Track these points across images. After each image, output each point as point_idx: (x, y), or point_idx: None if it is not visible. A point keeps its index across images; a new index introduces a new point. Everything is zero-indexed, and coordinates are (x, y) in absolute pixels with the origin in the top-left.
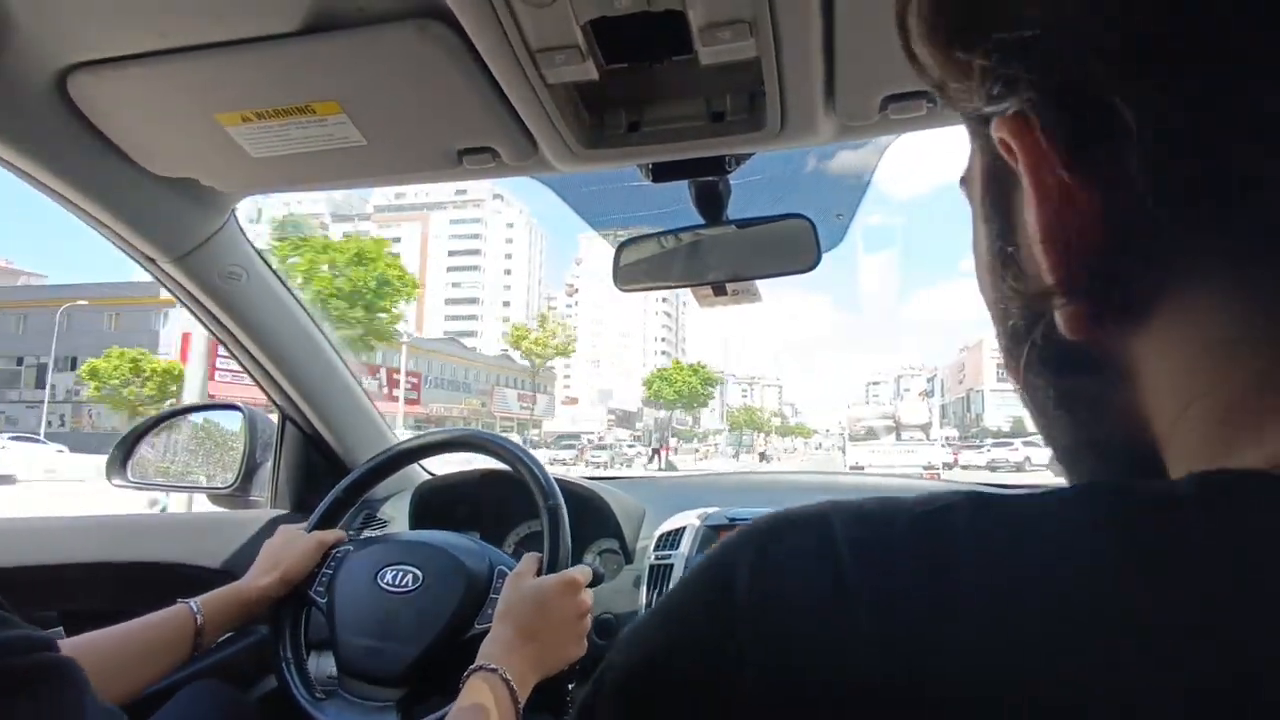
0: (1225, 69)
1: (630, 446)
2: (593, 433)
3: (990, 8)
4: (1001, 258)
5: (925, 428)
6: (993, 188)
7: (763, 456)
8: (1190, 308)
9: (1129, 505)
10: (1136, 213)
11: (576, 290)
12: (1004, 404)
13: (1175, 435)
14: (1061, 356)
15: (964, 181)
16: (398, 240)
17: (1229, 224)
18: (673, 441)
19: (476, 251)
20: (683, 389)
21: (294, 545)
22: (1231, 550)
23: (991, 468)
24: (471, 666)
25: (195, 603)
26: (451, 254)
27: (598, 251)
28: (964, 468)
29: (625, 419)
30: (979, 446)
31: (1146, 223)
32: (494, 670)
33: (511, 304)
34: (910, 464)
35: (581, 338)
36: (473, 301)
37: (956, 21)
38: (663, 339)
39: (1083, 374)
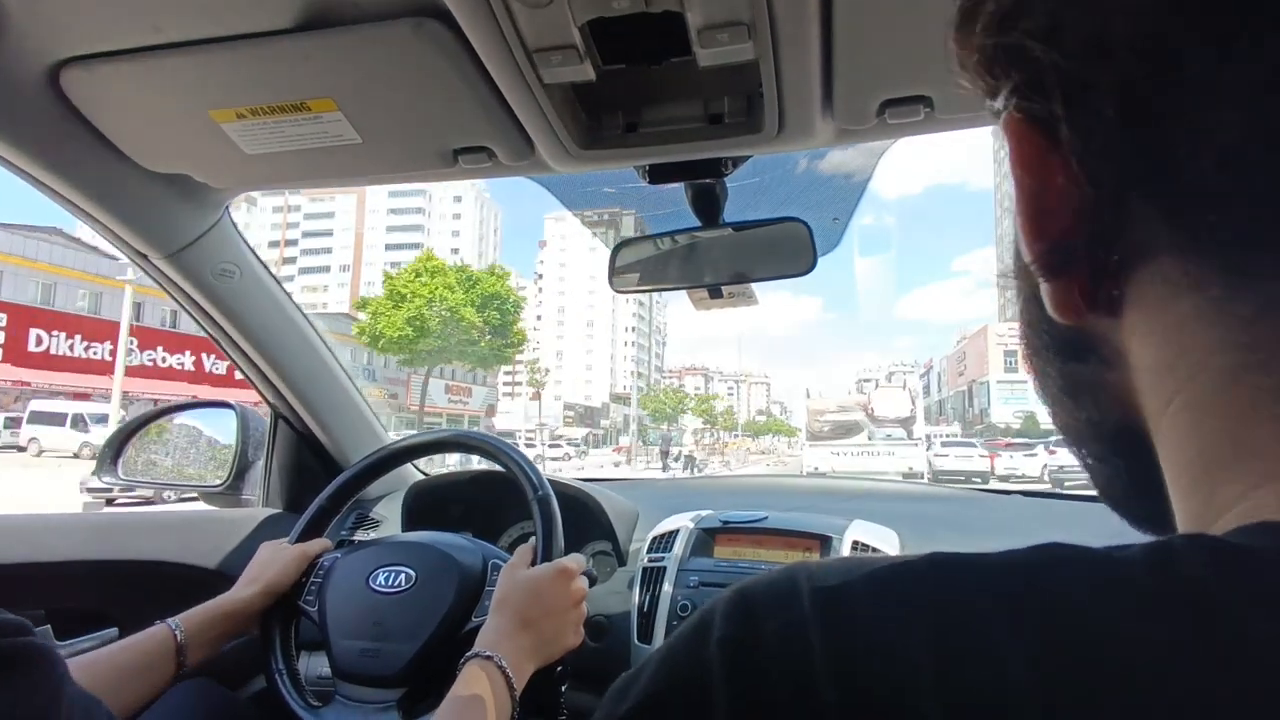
0: (1189, 51)
1: (573, 445)
2: (533, 430)
3: (994, 10)
4: (1016, 246)
5: (906, 423)
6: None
7: (689, 463)
8: (1161, 303)
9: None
10: (1105, 189)
11: (541, 277)
12: (1012, 397)
13: (1164, 428)
14: (1063, 343)
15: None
16: (330, 215)
17: (1192, 204)
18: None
19: (419, 228)
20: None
21: (277, 557)
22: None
23: (1056, 482)
24: (467, 654)
25: (175, 621)
26: (391, 230)
27: (563, 233)
28: (1005, 479)
29: (587, 415)
30: (1029, 448)
31: (1114, 199)
32: (489, 657)
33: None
34: (883, 470)
35: (545, 328)
36: None
37: (976, 27)
38: (633, 329)
39: (1081, 360)
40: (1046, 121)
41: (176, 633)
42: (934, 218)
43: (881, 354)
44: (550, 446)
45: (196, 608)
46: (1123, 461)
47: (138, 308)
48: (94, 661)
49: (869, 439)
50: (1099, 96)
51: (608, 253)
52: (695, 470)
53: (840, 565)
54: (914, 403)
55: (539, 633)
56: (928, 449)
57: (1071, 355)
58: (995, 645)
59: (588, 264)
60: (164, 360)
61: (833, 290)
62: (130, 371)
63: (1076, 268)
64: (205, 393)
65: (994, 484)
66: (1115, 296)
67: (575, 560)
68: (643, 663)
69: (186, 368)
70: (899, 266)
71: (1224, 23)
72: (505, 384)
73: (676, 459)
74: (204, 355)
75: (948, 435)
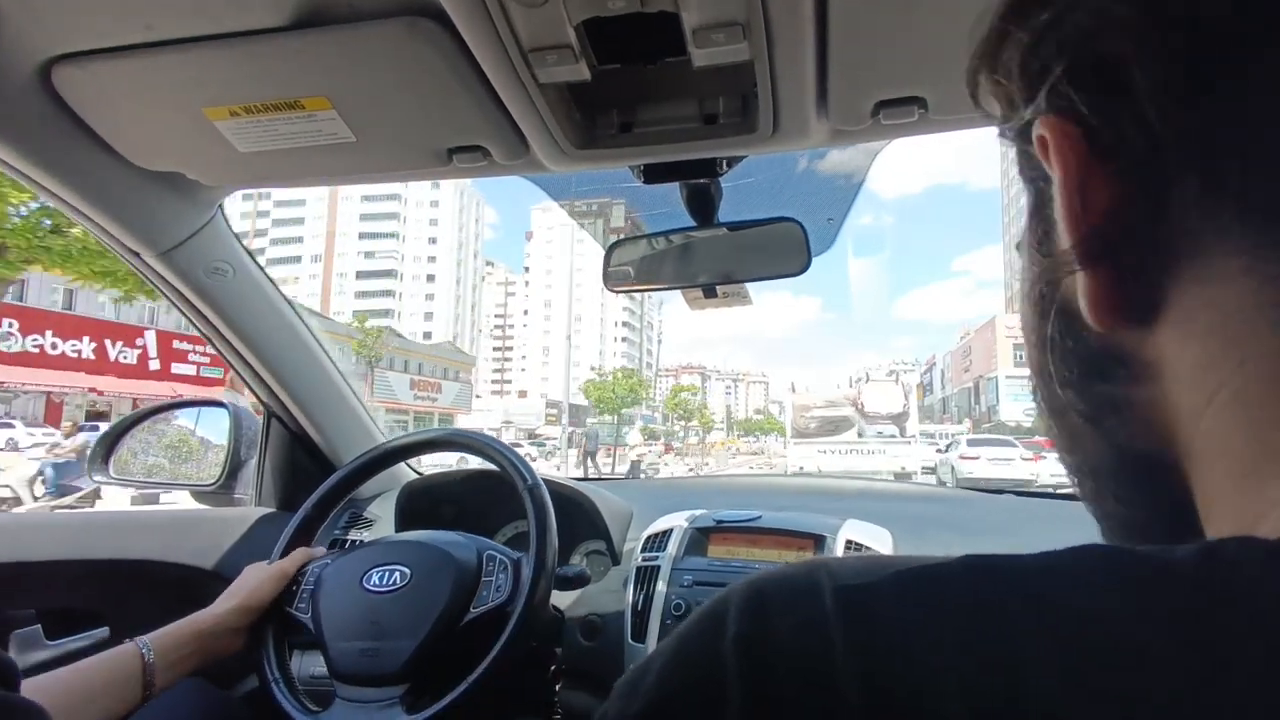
0: (1235, 36)
1: (535, 443)
2: (495, 430)
3: (1022, 10)
4: (1037, 236)
5: (898, 419)
6: (1032, 196)
7: (634, 469)
8: (1205, 290)
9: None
10: (1148, 178)
11: (528, 270)
12: (1023, 393)
13: (1202, 431)
14: (1089, 359)
15: (1018, 245)
16: (301, 202)
17: (1237, 191)
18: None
19: (394, 216)
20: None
21: (254, 575)
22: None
23: None
24: None
25: (145, 641)
26: (365, 218)
27: (550, 223)
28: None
29: (574, 413)
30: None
31: (1158, 187)
32: None
33: (437, 278)
34: (874, 470)
35: (532, 323)
36: (389, 275)
37: (1022, 29)
38: (625, 323)
39: (1109, 379)
40: (1093, 109)
41: (145, 653)
42: (934, 217)
43: (880, 354)
44: (513, 446)
45: (169, 625)
46: (1145, 500)
47: (20, 285)
48: (50, 683)
49: (859, 436)
50: (1153, 77)
51: (596, 245)
52: (640, 477)
53: (863, 564)
54: (907, 398)
55: None
56: (945, 450)
57: (1098, 373)
58: (1030, 654)
59: (575, 257)
60: (55, 347)
61: (832, 290)
62: (6, 359)
63: (1120, 256)
64: (108, 385)
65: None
66: (1155, 293)
67: None
68: (650, 657)
69: (85, 355)
70: (897, 266)
71: None
72: (495, 380)
73: (637, 464)
74: (108, 341)
75: (970, 435)
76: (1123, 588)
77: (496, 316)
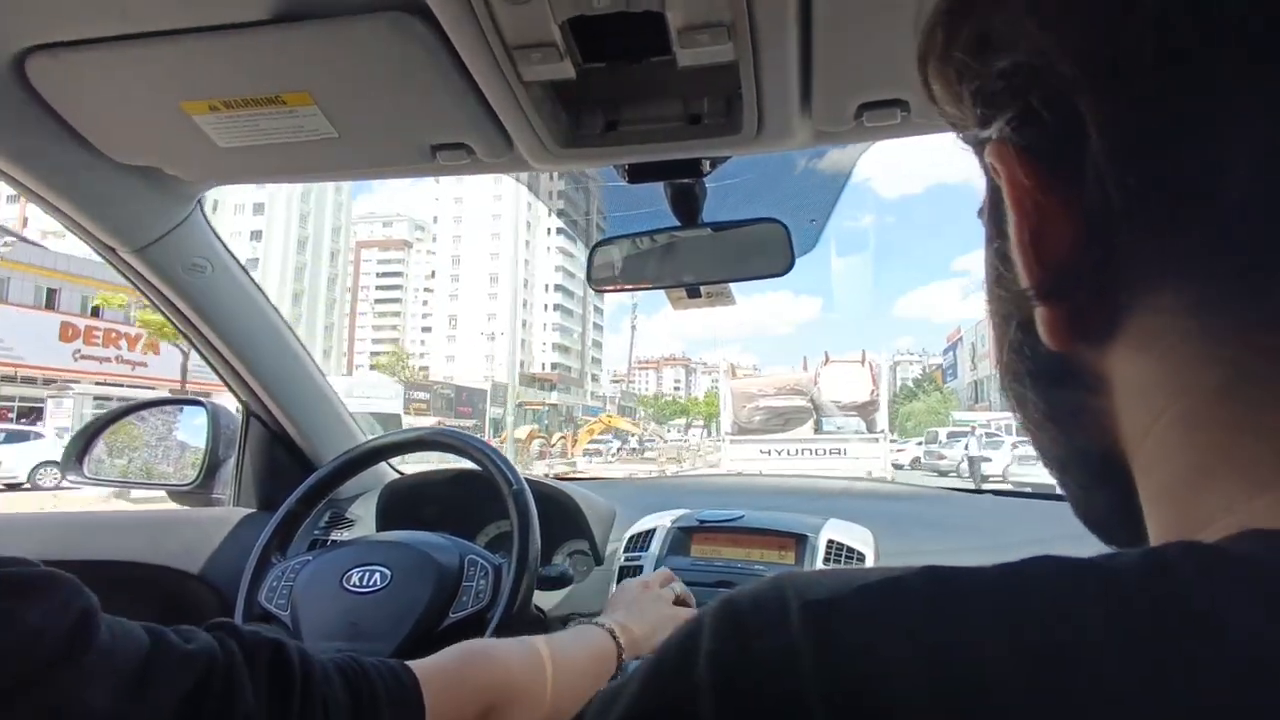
0: (1180, 77)
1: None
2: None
3: (978, 39)
4: (997, 273)
5: (864, 410)
6: (991, 209)
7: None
8: (1155, 319)
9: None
10: (1100, 220)
11: (435, 220)
12: None
13: (1147, 448)
14: (1048, 370)
15: (980, 213)
16: None
17: (1185, 231)
18: None
19: None
20: None
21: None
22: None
23: None
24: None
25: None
26: None
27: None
28: None
29: (462, 400)
30: None
31: (1109, 229)
32: (600, 624)
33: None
34: (833, 474)
35: (438, 286)
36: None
37: (957, 52)
38: (559, 287)
39: (1065, 387)
40: (1043, 151)
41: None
42: (933, 216)
43: (876, 354)
44: None
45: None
46: (1104, 490)
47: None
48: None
49: (816, 432)
50: (1100, 124)
51: (515, 193)
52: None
53: (830, 578)
54: (876, 383)
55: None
56: (983, 444)
57: (1055, 381)
58: (991, 664)
59: (491, 203)
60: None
61: (834, 290)
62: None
63: (1075, 295)
64: None
65: None
66: (1109, 323)
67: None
68: (627, 678)
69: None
70: (898, 266)
71: (1248, 35)
72: (374, 352)
73: None
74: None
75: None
76: (1076, 594)
77: (389, 275)
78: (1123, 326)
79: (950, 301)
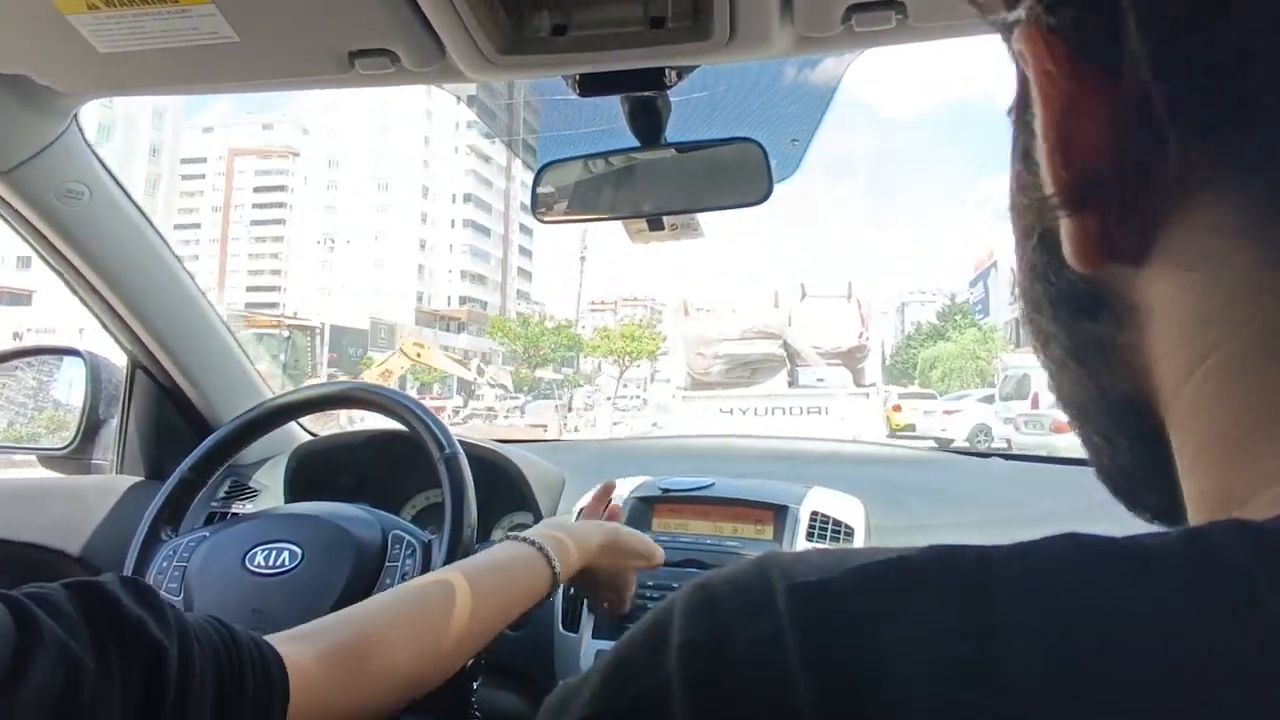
0: None
1: None
2: None
3: None
4: (1021, 179)
5: (849, 357)
6: (1019, 106)
7: None
8: (1203, 238)
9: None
10: (1139, 114)
11: (305, 132)
12: None
13: (1186, 396)
14: (1072, 296)
15: (1009, 112)
16: None
17: (1241, 131)
18: None
19: None
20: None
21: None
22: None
23: None
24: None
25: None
26: None
27: None
28: None
29: (335, 344)
30: None
31: (1149, 125)
32: (523, 539)
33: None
34: (806, 435)
35: (309, 195)
36: None
37: None
38: (470, 198)
39: (1091, 317)
40: (1076, 33)
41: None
42: (949, 139)
43: (889, 278)
44: None
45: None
46: (1131, 444)
47: None
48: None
49: (791, 385)
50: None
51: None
52: None
53: (820, 559)
54: (865, 324)
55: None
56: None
57: (1080, 310)
58: (1012, 661)
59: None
60: None
61: (837, 220)
62: None
63: (1106, 201)
64: None
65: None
66: (1145, 239)
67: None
68: (586, 673)
69: None
70: (908, 195)
71: None
72: (252, 286)
73: None
74: None
75: None
76: (1104, 580)
77: (269, 190)
78: (1162, 245)
79: (970, 236)
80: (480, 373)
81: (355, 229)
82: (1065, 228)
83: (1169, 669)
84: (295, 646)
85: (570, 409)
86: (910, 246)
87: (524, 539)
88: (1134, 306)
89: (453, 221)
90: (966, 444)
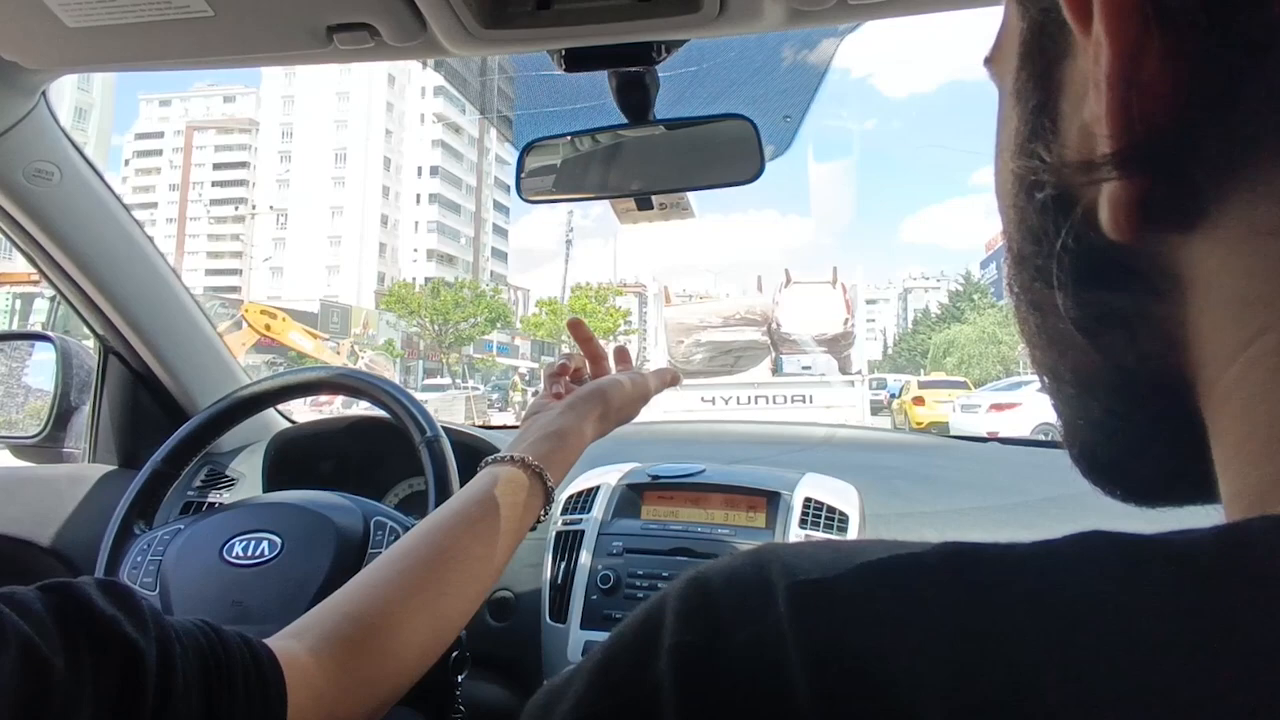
0: None
1: None
2: None
3: None
4: (1035, 133)
5: (835, 344)
6: (1034, 56)
7: None
8: (1264, 207)
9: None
10: (1210, 62)
11: (259, 103)
12: None
13: (1230, 378)
14: (1096, 265)
15: (989, 61)
16: None
17: None
18: None
19: None
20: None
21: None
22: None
23: None
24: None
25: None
26: None
27: None
28: None
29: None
30: None
31: (1222, 73)
32: (506, 458)
33: None
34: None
35: (264, 163)
36: None
37: None
38: (438, 170)
39: (1120, 288)
40: None
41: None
42: (949, 122)
43: (889, 267)
44: None
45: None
46: (1146, 421)
47: None
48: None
49: (775, 373)
50: None
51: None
52: None
53: (822, 554)
54: (850, 311)
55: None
56: None
57: (1104, 281)
58: (1034, 661)
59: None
60: None
61: (833, 211)
62: None
63: (1164, 164)
64: None
65: None
66: (1200, 206)
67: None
68: (572, 672)
69: None
70: (906, 180)
71: None
72: (212, 269)
73: None
74: None
75: None
76: (1135, 580)
77: (230, 166)
78: (1220, 213)
79: (970, 222)
80: (355, 357)
81: (310, 203)
82: (1109, 192)
83: (1199, 676)
84: (290, 643)
85: (507, 404)
86: (910, 233)
87: (505, 458)
88: (1176, 277)
89: (418, 197)
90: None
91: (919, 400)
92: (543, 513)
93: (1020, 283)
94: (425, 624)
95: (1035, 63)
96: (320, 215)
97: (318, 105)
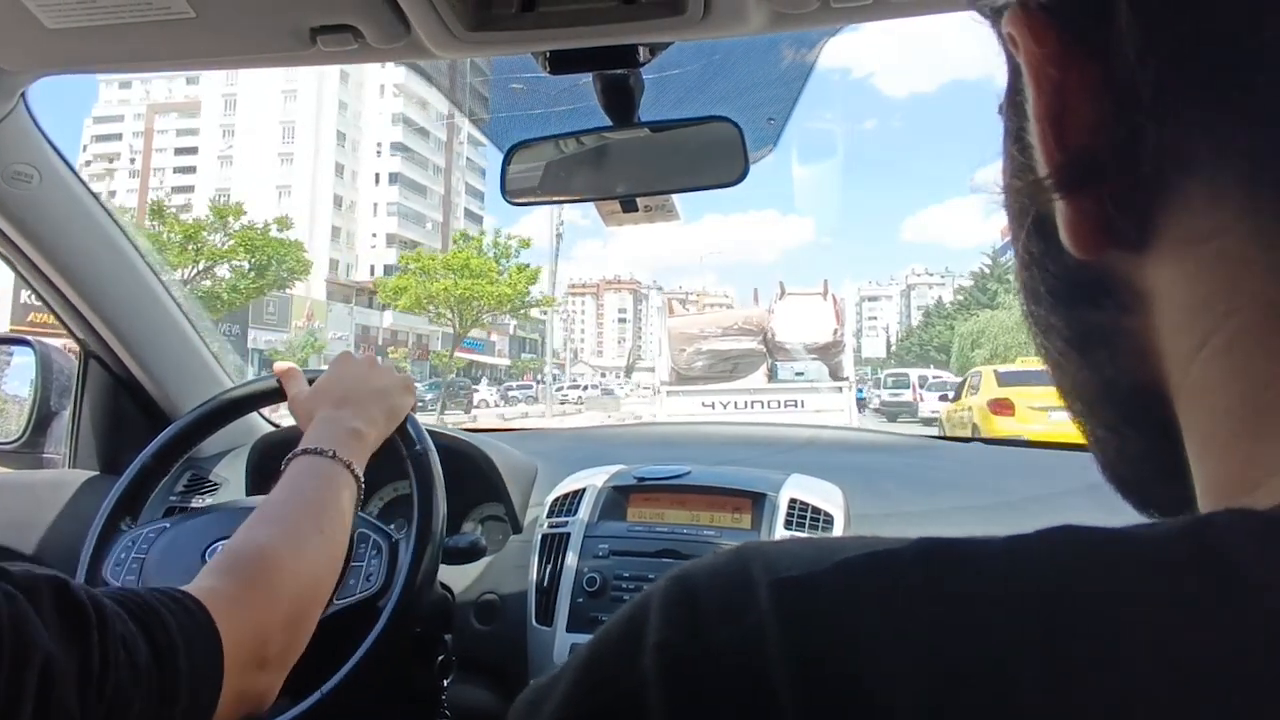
0: None
1: None
2: None
3: None
4: (1015, 164)
5: (826, 352)
6: (1011, 92)
7: None
8: (1202, 218)
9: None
10: (1128, 94)
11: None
12: None
13: (1192, 377)
14: (1072, 284)
15: (1000, 109)
16: None
17: (1234, 104)
18: None
19: None
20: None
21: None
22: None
23: None
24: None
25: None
26: None
27: None
28: None
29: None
30: None
31: (1138, 105)
32: (314, 451)
33: None
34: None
35: (203, 146)
36: None
37: None
38: (400, 147)
39: (1094, 305)
40: (1066, 14)
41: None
42: (949, 122)
43: (890, 265)
44: None
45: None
46: (1137, 432)
47: None
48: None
49: (770, 380)
50: None
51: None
52: None
53: (803, 551)
54: (840, 320)
55: (361, 403)
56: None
57: (1083, 299)
58: (1007, 661)
59: None
60: None
61: (832, 212)
62: None
63: (1101, 184)
64: None
65: None
66: (1145, 222)
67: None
68: (558, 672)
69: None
70: (908, 179)
71: None
72: None
73: None
74: None
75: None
76: (1106, 572)
77: (191, 153)
78: (1162, 228)
79: (970, 222)
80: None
81: (254, 182)
82: (1061, 212)
83: (1167, 664)
84: (205, 581)
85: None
86: (911, 233)
87: (308, 450)
88: (1138, 292)
89: (377, 177)
90: None
91: (1003, 405)
92: (359, 494)
93: (1026, 308)
94: (310, 569)
95: (1013, 99)
96: (266, 195)
97: (263, 75)
